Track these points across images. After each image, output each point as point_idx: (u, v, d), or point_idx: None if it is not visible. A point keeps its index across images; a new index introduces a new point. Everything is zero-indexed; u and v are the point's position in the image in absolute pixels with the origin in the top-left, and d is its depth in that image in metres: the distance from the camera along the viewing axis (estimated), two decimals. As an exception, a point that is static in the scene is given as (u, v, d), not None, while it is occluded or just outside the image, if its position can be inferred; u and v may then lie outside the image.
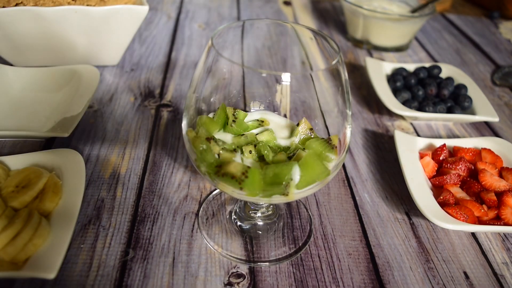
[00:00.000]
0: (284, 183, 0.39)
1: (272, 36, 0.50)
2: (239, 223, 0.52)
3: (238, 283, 0.46)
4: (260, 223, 0.52)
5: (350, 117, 0.44)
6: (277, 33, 0.50)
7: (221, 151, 0.42)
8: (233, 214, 0.53)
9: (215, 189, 0.57)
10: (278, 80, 0.39)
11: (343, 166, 0.64)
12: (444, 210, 0.52)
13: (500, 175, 0.59)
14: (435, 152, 0.62)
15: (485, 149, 0.62)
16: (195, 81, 0.43)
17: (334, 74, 0.41)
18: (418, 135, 0.72)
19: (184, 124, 0.45)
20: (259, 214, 0.52)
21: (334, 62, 0.40)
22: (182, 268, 0.47)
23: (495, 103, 0.83)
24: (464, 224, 0.51)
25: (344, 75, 0.42)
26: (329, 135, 0.47)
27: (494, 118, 0.71)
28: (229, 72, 0.43)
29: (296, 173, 0.40)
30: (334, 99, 0.43)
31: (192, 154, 0.43)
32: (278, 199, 0.41)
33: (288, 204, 0.56)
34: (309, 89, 0.42)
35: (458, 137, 0.72)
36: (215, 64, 0.41)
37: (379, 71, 0.81)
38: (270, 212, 0.52)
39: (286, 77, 0.39)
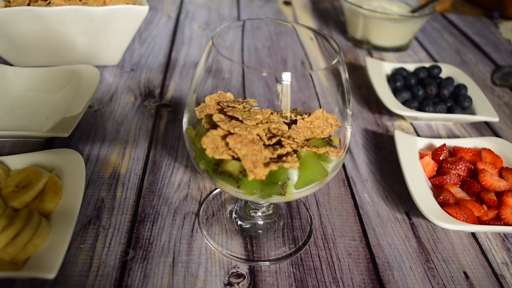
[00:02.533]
0: (280, 183, 0.39)
1: (272, 36, 0.50)
2: (239, 222, 0.52)
3: (238, 283, 0.46)
4: (261, 222, 0.52)
5: (350, 117, 0.44)
6: (277, 33, 0.50)
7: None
8: (233, 213, 0.53)
9: (215, 189, 0.57)
10: (278, 80, 0.39)
11: (343, 166, 0.64)
12: (444, 210, 0.52)
13: (500, 175, 0.59)
14: (435, 152, 0.62)
15: (485, 149, 0.62)
16: (196, 80, 0.43)
17: (334, 73, 0.41)
18: (418, 135, 0.72)
19: (184, 121, 0.45)
20: (259, 214, 0.52)
21: (334, 62, 0.40)
22: (182, 268, 0.47)
23: (495, 103, 0.83)
24: (464, 224, 0.51)
25: (345, 74, 0.42)
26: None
27: (494, 118, 0.71)
28: (230, 71, 0.43)
29: (293, 173, 0.39)
30: (334, 99, 0.43)
31: (192, 152, 0.43)
32: (276, 199, 0.41)
33: (288, 204, 0.56)
34: (309, 89, 0.42)
35: (458, 137, 0.72)
36: (215, 64, 0.41)
37: (379, 71, 0.81)
38: (270, 212, 0.52)
39: (286, 77, 0.39)
